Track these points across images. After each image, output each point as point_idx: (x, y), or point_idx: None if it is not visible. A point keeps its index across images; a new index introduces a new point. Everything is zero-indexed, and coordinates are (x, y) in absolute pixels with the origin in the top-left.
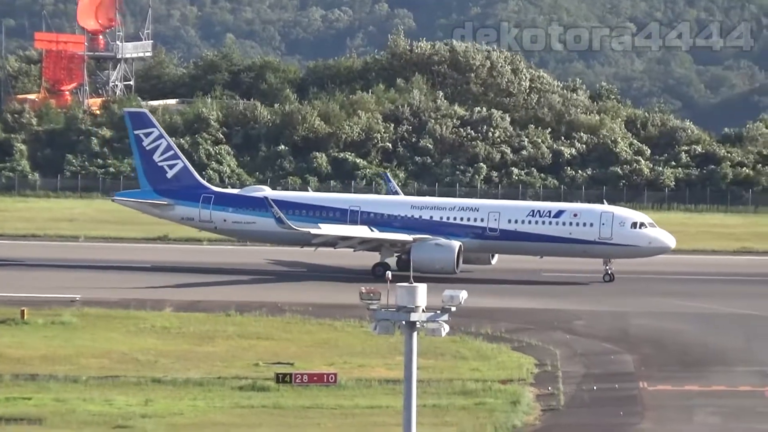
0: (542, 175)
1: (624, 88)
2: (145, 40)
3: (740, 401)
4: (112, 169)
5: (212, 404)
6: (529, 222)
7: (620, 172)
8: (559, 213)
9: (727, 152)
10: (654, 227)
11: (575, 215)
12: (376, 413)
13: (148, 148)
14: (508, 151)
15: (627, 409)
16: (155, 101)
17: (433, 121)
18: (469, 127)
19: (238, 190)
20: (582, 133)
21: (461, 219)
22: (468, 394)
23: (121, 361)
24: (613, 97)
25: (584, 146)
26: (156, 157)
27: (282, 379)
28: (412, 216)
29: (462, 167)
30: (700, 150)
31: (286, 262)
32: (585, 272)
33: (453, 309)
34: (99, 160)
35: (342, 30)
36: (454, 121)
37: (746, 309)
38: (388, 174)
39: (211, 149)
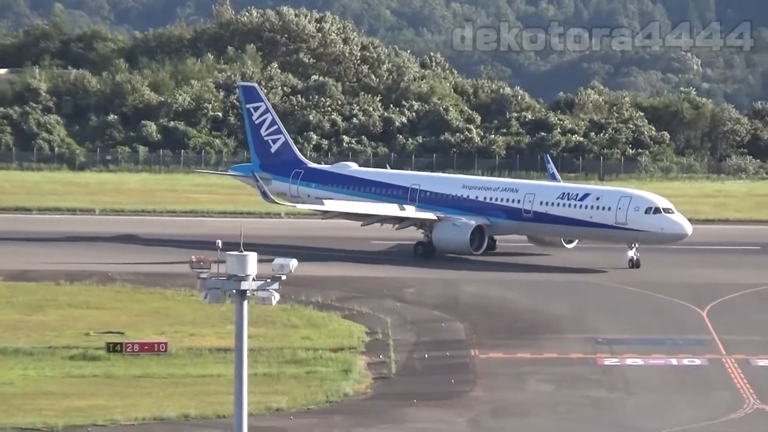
0: (373, 143)
1: (454, 56)
2: None
3: (572, 368)
4: None
5: (43, 374)
6: (558, 204)
7: (451, 139)
8: (585, 196)
9: (558, 120)
10: (671, 213)
11: (598, 198)
12: (208, 382)
13: (256, 122)
14: (339, 119)
15: (459, 376)
16: None
17: (265, 89)
18: (300, 96)
19: (329, 166)
20: (413, 101)
21: (502, 200)
22: (299, 362)
23: None
24: (439, 65)
25: (415, 114)
26: (262, 132)
27: (113, 348)
28: (461, 195)
29: (292, 135)
30: (530, 117)
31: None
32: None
33: (283, 277)
34: None
35: None
36: (286, 89)
37: (577, 275)
38: (548, 156)
39: (41, 119)
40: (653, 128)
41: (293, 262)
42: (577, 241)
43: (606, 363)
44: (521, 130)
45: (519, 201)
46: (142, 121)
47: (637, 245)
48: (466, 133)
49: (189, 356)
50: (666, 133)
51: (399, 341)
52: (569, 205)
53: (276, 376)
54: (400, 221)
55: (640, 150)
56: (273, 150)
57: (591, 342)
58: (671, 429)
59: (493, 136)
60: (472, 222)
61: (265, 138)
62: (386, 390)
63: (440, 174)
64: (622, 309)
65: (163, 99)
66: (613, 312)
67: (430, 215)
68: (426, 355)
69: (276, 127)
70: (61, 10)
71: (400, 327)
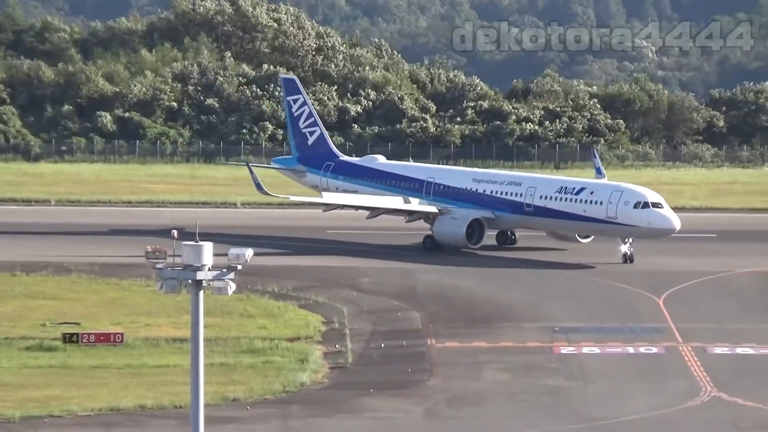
0: (328, 132)
1: (409, 45)
2: None
3: (529, 357)
4: None
5: None
6: (556, 198)
7: (406, 129)
8: (581, 190)
9: (514, 108)
10: (660, 208)
11: (592, 192)
12: (164, 372)
13: (295, 114)
14: None
15: (415, 366)
16: None
17: (220, 79)
18: (254, 86)
19: (358, 159)
20: (368, 90)
21: (507, 193)
22: (256, 352)
23: None
24: (389, 55)
25: (370, 103)
26: (300, 124)
27: (69, 339)
28: (471, 189)
29: (248, 126)
30: (486, 106)
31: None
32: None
33: (239, 267)
34: None
35: None
36: (241, 79)
37: (534, 266)
38: (596, 150)
39: None
40: (608, 116)
41: (249, 252)
42: (593, 236)
43: (563, 351)
44: (476, 118)
45: (522, 195)
46: (97, 112)
47: (630, 240)
48: (421, 122)
49: (145, 346)
50: (621, 121)
51: (355, 331)
52: (566, 200)
53: (232, 365)
54: (409, 214)
55: (595, 138)
56: (310, 142)
57: (548, 331)
58: (628, 417)
59: (448, 125)
60: (471, 215)
61: (303, 130)
62: (343, 379)
63: (454, 167)
64: (579, 298)
65: (117, 90)
66: (570, 301)
67: (431, 208)
68: (382, 345)
69: (313, 119)
70: (15, 0)
71: (357, 316)
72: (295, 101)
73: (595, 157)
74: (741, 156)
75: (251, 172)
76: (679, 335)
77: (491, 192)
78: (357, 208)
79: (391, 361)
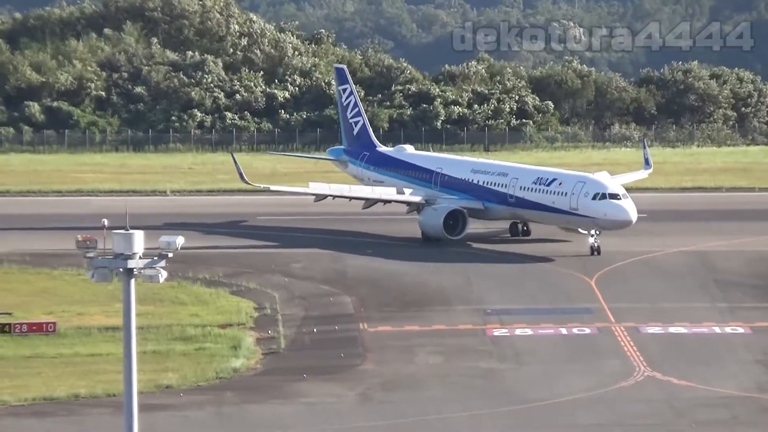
0: (256, 119)
1: (336, 30)
2: None
3: (461, 340)
4: None
5: None
6: (533, 189)
7: (334, 114)
8: (552, 181)
9: (441, 91)
10: (617, 199)
11: (560, 183)
12: (97, 361)
13: (344, 104)
14: (222, 95)
15: (348, 350)
16: None
17: (147, 67)
18: (181, 73)
19: (389, 149)
20: (296, 76)
21: (495, 184)
22: (188, 339)
23: None
24: (327, 38)
25: (298, 89)
26: (348, 114)
27: (1, 329)
28: (468, 179)
29: (176, 113)
30: (414, 89)
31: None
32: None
33: (170, 255)
34: None
35: None
36: (167, 67)
37: (464, 249)
38: (645, 141)
39: None
40: (537, 98)
41: (180, 240)
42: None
43: (495, 334)
44: (404, 102)
45: (506, 186)
46: (25, 102)
47: (597, 232)
48: None
49: (78, 335)
50: (550, 102)
51: (287, 316)
52: (539, 191)
53: (165, 353)
54: (408, 204)
55: (524, 120)
56: (355, 132)
57: (480, 313)
58: (562, 398)
59: (376, 109)
60: (450, 206)
61: (350, 120)
62: (276, 365)
63: (460, 157)
64: (510, 280)
65: (44, 79)
66: (502, 283)
67: (417, 199)
68: (315, 330)
69: (357, 110)
70: None
71: (289, 302)
72: (344, 91)
73: (645, 148)
74: (670, 136)
75: (235, 162)
76: (611, 315)
77: (483, 183)
78: (350, 198)
79: (323, 346)
